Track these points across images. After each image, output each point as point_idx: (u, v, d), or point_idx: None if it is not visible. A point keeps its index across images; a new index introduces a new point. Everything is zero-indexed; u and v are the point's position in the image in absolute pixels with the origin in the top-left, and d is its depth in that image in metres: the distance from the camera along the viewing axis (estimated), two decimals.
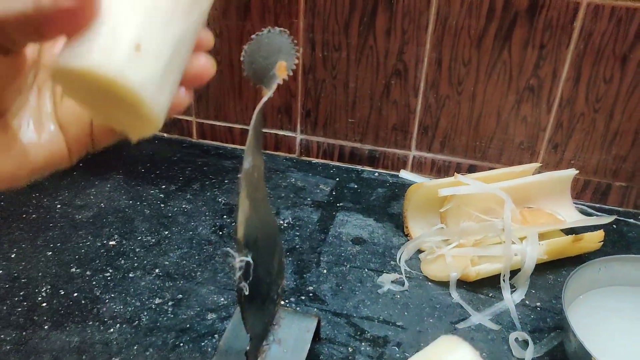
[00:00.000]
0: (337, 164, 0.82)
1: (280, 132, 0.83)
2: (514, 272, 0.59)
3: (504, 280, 0.57)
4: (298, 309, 0.54)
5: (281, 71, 0.38)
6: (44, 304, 0.53)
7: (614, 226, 0.70)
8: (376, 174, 0.80)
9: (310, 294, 0.57)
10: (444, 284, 0.58)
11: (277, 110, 0.81)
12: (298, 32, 0.74)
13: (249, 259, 0.36)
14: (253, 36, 0.37)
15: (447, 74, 0.73)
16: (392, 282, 0.58)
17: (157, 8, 0.25)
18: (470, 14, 0.68)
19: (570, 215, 0.68)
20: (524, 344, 0.51)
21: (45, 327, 0.50)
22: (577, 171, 0.69)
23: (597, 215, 0.70)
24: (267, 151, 0.84)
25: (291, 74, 0.39)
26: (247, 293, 0.36)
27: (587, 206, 0.75)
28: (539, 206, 0.68)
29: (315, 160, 0.83)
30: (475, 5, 0.67)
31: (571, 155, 0.74)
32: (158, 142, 0.85)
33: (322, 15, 0.73)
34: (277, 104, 0.81)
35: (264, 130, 0.83)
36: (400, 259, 0.61)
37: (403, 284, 0.58)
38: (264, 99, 0.37)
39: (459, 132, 0.76)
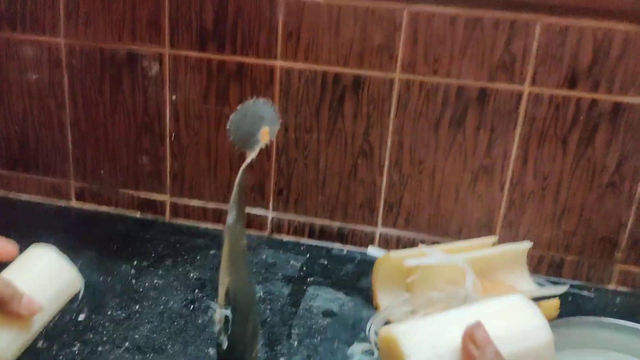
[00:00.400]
0: (308, 241, 0.85)
1: (253, 211, 0.86)
2: None
3: None
4: None
5: (264, 136, 0.43)
6: None
7: (569, 299, 0.74)
8: (345, 251, 0.83)
9: None
10: None
11: (250, 189, 0.85)
12: None
13: (229, 312, 0.38)
14: (239, 105, 0.42)
15: (408, 155, 0.78)
16: (362, 352, 0.59)
17: None
18: (428, 101, 0.75)
19: (528, 287, 0.72)
20: None
21: None
22: (532, 243, 0.74)
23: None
24: None
25: (273, 139, 0.43)
26: (224, 347, 0.38)
27: (544, 279, 0.79)
28: (498, 278, 0.72)
29: (286, 238, 0.86)
30: (432, 93, 0.75)
31: (525, 231, 0.79)
32: (131, 222, 0.87)
33: (295, 100, 0.79)
34: (250, 183, 0.84)
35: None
36: (369, 329, 0.63)
37: (372, 354, 0.59)
38: (247, 160, 0.41)
39: (421, 209, 0.81)
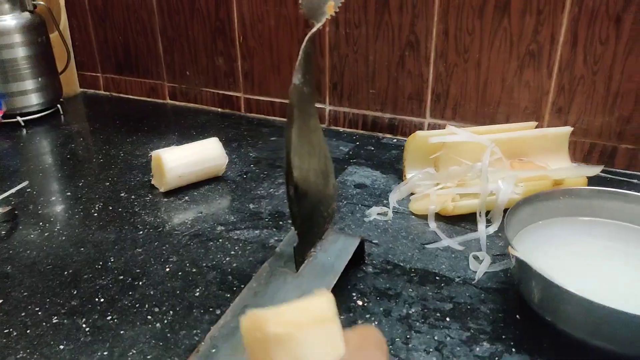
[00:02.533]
0: (361, 132, 0.92)
1: None
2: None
3: (479, 215, 0.63)
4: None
5: (330, 9, 0.48)
6: (95, 214, 0.68)
7: (615, 185, 0.73)
8: (394, 140, 0.89)
9: None
10: (426, 217, 0.65)
11: None
12: None
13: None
14: None
15: (454, 44, 0.80)
16: (379, 214, 0.66)
17: None
18: None
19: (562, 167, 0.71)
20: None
21: (93, 227, 0.65)
22: (572, 128, 0.73)
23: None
24: None
25: (337, 11, 0.47)
26: (291, 193, 0.46)
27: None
28: (535, 161, 0.73)
29: (342, 129, 0.93)
30: None
31: (575, 118, 0.77)
32: (212, 115, 1.00)
33: None
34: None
35: None
36: (390, 197, 0.69)
37: (386, 215, 0.66)
38: (314, 29, 0.44)
39: (468, 99, 0.82)
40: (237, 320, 0.44)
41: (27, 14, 0.93)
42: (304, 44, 0.45)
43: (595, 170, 0.67)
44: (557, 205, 0.57)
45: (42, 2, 0.95)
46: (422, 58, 0.83)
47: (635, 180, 0.74)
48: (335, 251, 0.53)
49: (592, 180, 0.68)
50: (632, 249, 0.54)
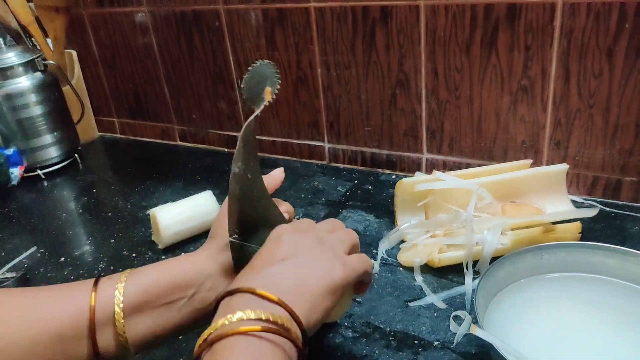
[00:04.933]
0: (361, 168, 0.92)
1: (312, 143, 0.95)
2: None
3: (466, 267, 0.62)
4: None
5: (267, 95, 0.48)
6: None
7: (618, 221, 0.70)
8: (393, 177, 0.88)
9: None
10: (413, 269, 0.65)
11: (307, 125, 0.94)
12: (315, 56, 0.86)
13: (233, 239, 0.46)
14: (249, 68, 0.48)
15: (443, 81, 0.79)
16: None
17: None
18: (456, 25, 0.74)
19: (561, 209, 0.69)
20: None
21: None
22: (568, 166, 0.70)
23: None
24: (302, 159, 0.97)
25: (274, 97, 0.48)
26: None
27: (599, 202, 0.74)
28: (530, 201, 0.71)
29: (342, 166, 0.93)
30: (459, 16, 0.73)
31: (575, 151, 0.74)
32: (219, 156, 1.03)
33: (332, 39, 0.84)
34: (306, 120, 0.93)
35: (298, 142, 0.96)
36: (379, 247, 0.69)
37: (374, 268, 0.66)
38: (252, 116, 0.45)
39: (463, 134, 0.81)
40: None
41: (39, 74, 0.98)
42: (241, 131, 0.44)
43: (591, 212, 0.65)
44: (539, 262, 0.56)
45: (52, 62, 1.01)
46: (413, 96, 0.82)
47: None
48: None
49: (596, 219, 0.65)
50: (616, 303, 0.53)
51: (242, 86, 0.48)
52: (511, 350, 0.43)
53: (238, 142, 0.44)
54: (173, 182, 0.94)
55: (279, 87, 0.49)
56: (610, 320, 0.51)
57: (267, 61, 0.49)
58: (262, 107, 0.47)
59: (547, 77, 0.72)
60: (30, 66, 0.97)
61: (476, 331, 0.45)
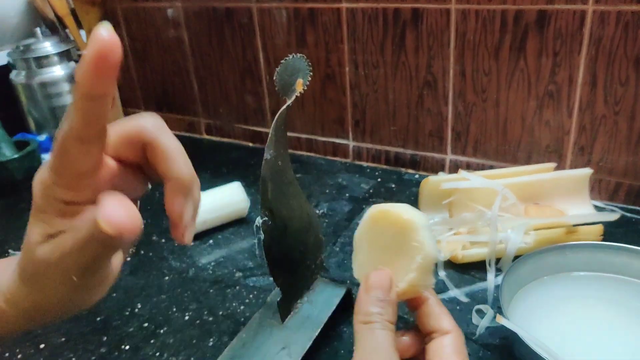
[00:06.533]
0: (384, 167, 0.94)
1: (336, 140, 0.97)
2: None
3: (489, 264, 0.64)
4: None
5: (299, 86, 0.51)
6: (129, 259, 0.74)
7: (639, 226, 0.71)
8: (417, 176, 0.90)
9: None
10: (437, 264, 0.67)
11: (332, 122, 0.96)
12: (344, 54, 0.88)
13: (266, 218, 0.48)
14: (282, 60, 0.51)
15: (471, 84, 0.80)
16: None
17: None
18: (485, 29, 0.76)
19: (582, 212, 0.71)
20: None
21: (125, 272, 0.71)
22: (592, 170, 0.71)
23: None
24: (326, 156, 0.99)
25: (306, 88, 0.49)
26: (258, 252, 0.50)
27: (620, 208, 0.75)
28: (552, 204, 0.72)
29: (365, 164, 0.95)
30: (489, 21, 0.75)
31: (598, 157, 0.76)
32: (243, 150, 1.05)
33: (362, 39, 0.86)
34: (331, 117, 0.95)
35: (323, 139, 0.98)
36: None
37: None
38: (284, 106, 0.48)
39: (488, 137, 0.83)
40: None
41: (73, 64, 1.01)
42: (275, 120, 0.47)
43: (613, 216, 0.66)
44: (563, 260, 0.57)
45: (85, 52, 1.03)
46: (440, 97, 0.84)
47: None
48: (320, 302, 0.55)
49: (617, 223, 0.66)
50: (636, 304, 0.54)
51: (274, 78, 0.50)
52: (535, 340, 0.45)
53: (270, 131, 0.47)
54: (200, 174, 0.95)
55: (310, 79, 0.50)
56: (632, 321, 0.52)
57: (300, 55, 0.51)
58: (293, 97, 0.49)
59: (574, 83, 0.73)
60: (65, 56, 1.00)
61: (502, 320, 0.47)
